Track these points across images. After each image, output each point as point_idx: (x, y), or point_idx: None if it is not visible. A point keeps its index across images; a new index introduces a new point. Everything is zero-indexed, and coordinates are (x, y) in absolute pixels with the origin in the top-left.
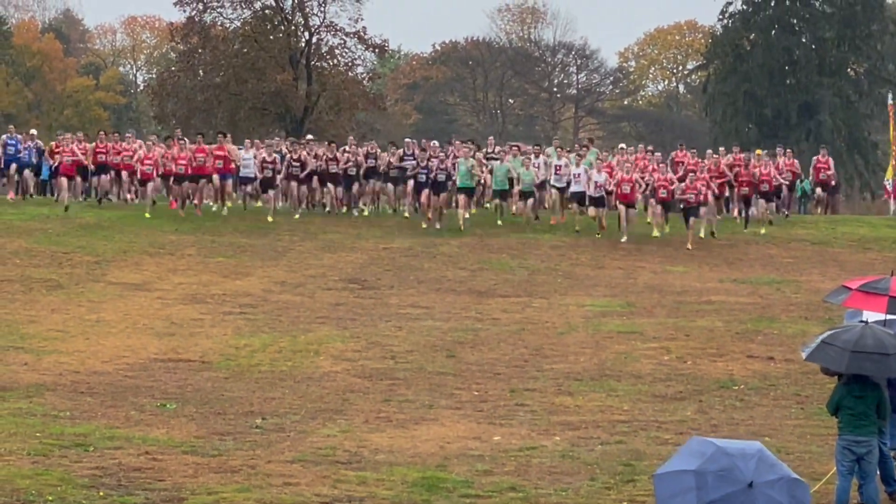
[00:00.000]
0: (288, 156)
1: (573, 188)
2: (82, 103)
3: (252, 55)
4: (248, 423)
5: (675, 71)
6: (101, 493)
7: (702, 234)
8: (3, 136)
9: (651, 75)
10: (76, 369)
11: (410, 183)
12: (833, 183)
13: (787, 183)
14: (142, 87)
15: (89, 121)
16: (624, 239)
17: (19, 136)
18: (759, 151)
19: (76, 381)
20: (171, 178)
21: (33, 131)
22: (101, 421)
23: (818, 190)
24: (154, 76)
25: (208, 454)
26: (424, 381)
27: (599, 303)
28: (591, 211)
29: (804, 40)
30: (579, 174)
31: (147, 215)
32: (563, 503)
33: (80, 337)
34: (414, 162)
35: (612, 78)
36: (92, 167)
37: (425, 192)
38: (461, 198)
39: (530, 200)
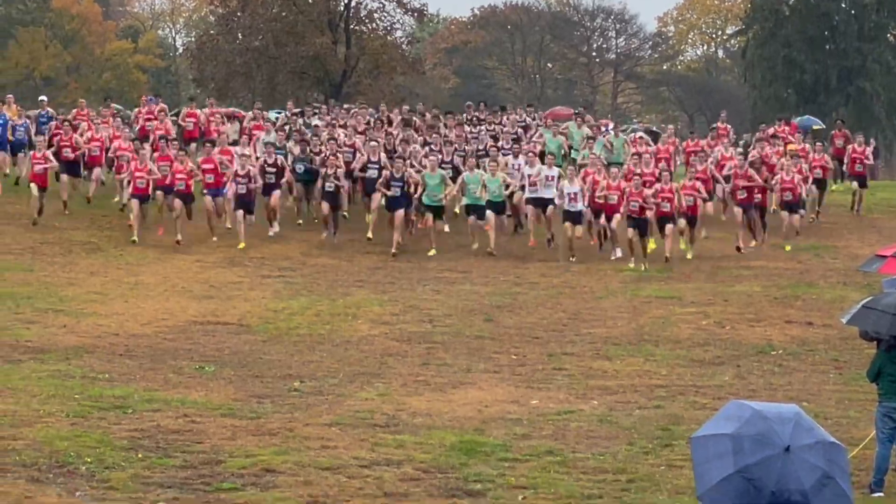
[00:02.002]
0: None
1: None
2: (121, 66)
3: (291, 18)
4: (286, 386)
5: (714, 36)
6: (140, 455)
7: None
8: (35, 112)
9: (690, 40)
10: (115, 332)
11: (376, 197)
12: (868, 177)
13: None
14: (181, 51)
15: (128, 84)
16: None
17: (52, 110)
18: (793, 147)
19: (115, 343)
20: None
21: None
22: (139, 383)
23: (854, 184)
24: (193, 39)
25: (246, 417)
26: (462, 344)
27: (638, 268)
28: (576, 229)
29: (844, 5)
30: (552, 176)
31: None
32: (600, 467)
33: (118, 299)
34: (377, 170)
35: (650, 43)
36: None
37: (399, 212)
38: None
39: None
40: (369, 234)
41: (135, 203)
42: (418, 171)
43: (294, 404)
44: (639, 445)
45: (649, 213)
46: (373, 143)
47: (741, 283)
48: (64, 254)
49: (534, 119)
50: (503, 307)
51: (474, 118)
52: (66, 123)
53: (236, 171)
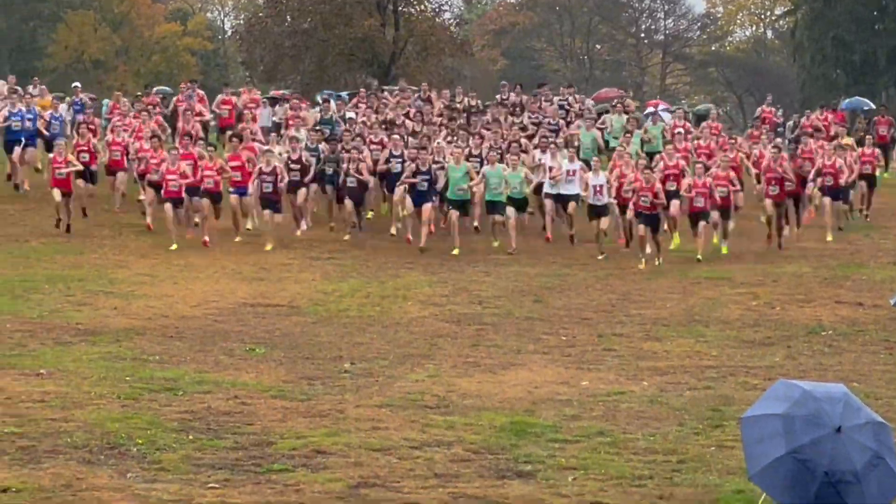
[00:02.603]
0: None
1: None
2: (170, 49)
3: (339, 1)
4: (337, 368)
5: (762, 16)
6: (191, 437)
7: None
8: (68, 98)
9: (738, 21)
10: (165, 314)
11: (399, 191)
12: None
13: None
14: (229, 33)
15: (177, 67)
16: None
17: (86, 98)
18: (846, 141)
19: (165, 325)
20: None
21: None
22: (190, 365)
23: (862, 184)
24: (241, 22)
25: (297, 398)
26: (512, 326)
27: (688, 249)
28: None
29: None
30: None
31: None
32: (650, 448)
33: (168, 281)
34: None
35: (699, 23)
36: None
37: (427, 206)
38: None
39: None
40: (393, 231)
41: (169, 208)
42: (441, 168)
43: (344, 386)
44: (689, 426)
45: (674, 209)
46: (395, 136)
47: (791, 264)
48: (114, 236)
49: (576, 103)
50: (553, 288)
51: (516, 108)
52: (85, 126)
53: (260, 168)
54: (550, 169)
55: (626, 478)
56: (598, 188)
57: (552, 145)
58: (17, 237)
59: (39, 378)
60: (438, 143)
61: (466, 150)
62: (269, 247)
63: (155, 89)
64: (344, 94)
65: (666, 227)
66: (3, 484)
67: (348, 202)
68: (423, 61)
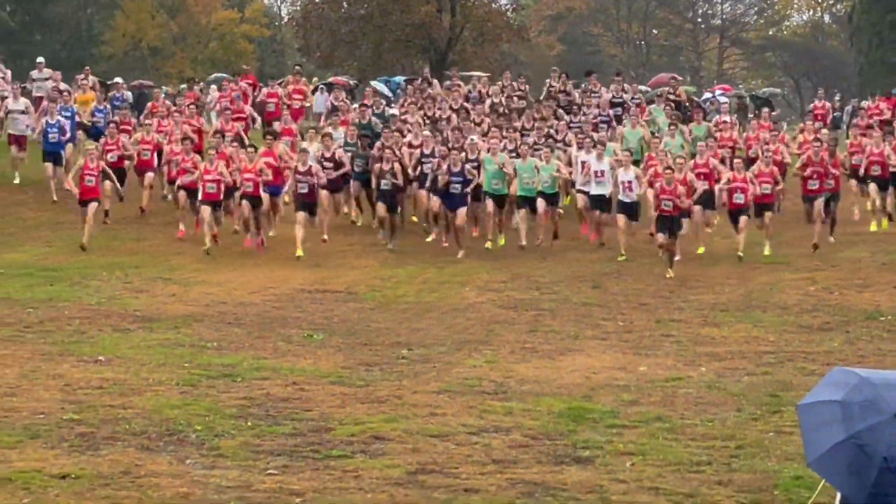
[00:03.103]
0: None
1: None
2: (227, 36)
3: None
4: (395, 354)
5: (819, 1)
6: (249, 423)
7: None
8: (111, 93)
9: (796, 5)
10: (223, 300)
11: (424, 194)
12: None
13: None
14: (286, 20)
15: (234, 54)
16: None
17: (129, 93)
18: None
19: (223, 311)
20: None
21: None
22: (248, 351)
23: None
24: (298, 8)
25: (355, 384)
26: (570, 311)
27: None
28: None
29: None
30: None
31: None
32: (709, 434)
33: (226, 268)
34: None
35: (756, 8)
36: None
37: (461, 211)
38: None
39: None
40: (427, 239)
41: (206, 210)
42: (476, 166)
43: (402, 372)
44: (747, 412)
45: (696, 215)
46: (426, 132)
47: (849, 249)
48: (171, 223)
49: (627, 93)
50: (610, 274)
51: (570, 104)
52: (115, 126)
53: (296, 166)
54: (583, 164)
55: (684, 463)
56: (626, 184)
57: (587, 140)
58: (74, 224)
59: (98, 365)
60: (472, 139)
61: (503, 143)
62: (298, 252)
63: (206, 79)
64: (400, 78)
65: (687, 230)
66: (63, 471)
67: (380, 206)
68: (479, 47)
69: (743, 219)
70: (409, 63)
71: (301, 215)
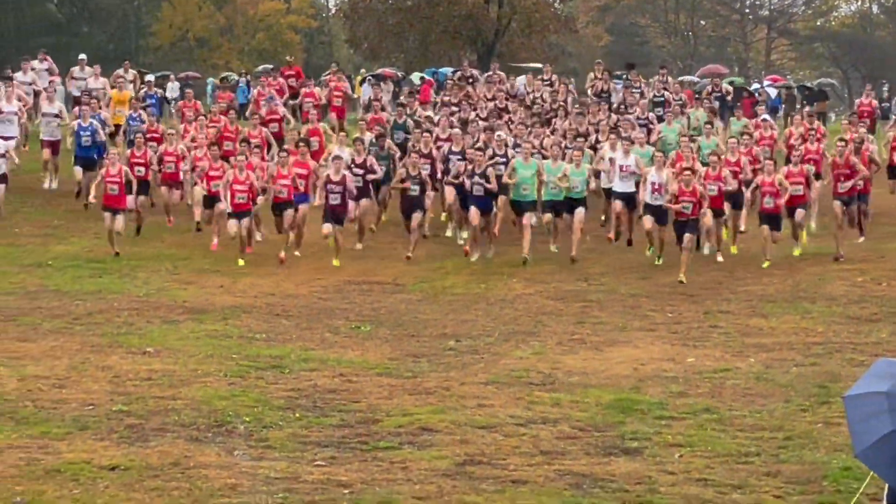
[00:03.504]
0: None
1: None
2: (274, 27)
3: None
4: (442, 345)
5: None
6: (297, 415)
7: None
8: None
9: None
10: (271, 292)
11: (450, 193)
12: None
13: None
14: (333, 11)
15: (281, 45)
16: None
17: (161, 91)
18: None
19: (271, 303)
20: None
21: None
22: (296, 343)
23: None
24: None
25: (402, 376)
26: (618, 302)
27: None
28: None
29: None
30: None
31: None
32: (757, 425)
33: (274, 260)
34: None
35: None
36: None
37: (473, 210)
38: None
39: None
40: (467, 248)
41: (233, 224)
42: (505, 160)
43: (450, 363)
44: (796, 403)
45: (707, 218)
46: (455, 130)
47: None
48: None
49: (671, 93)
50: (658, 265)
51: (618, 105)
52: (143, 137)
53: (328, 176)
54: (611, 161)
55: (732, 455)
56: (656, 185)
57: (611, 136)
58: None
59: (147, 356)
60: (500, 135)
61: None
62: (336, 262)
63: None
64: (447, 70)
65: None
66: (112, 462)
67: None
68: (526, 38)
69: (765, 228)
70: (457, 55)
71: (327, 227)
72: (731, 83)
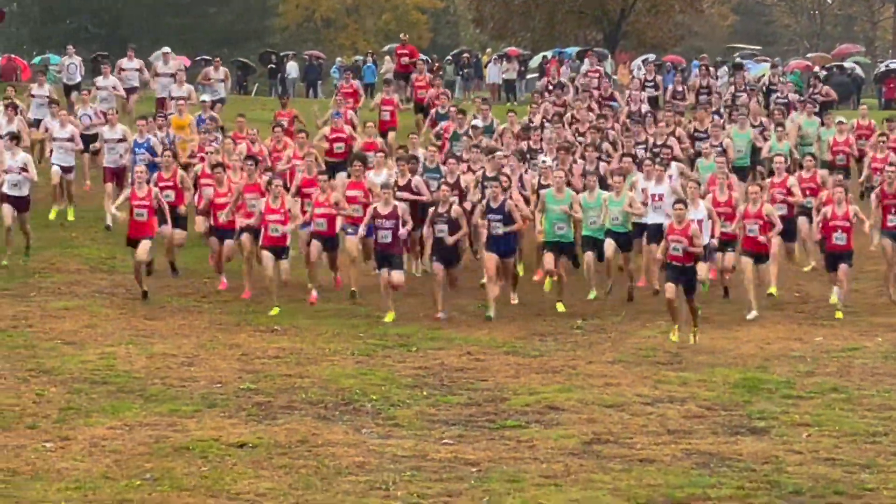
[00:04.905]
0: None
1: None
2: (400, 7)
3: None
4: (569, 325)
5: None
6: (424, 393)
7: None
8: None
9: None
10: None
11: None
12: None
13: None
14: None
15: (407, 25)
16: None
17: (217, 116)
18: None
19: None
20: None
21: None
22: (423, 322)
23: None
24: None
25: (529, 355)
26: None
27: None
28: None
29: None
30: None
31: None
32: (886, 404)
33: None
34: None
35: None
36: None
37: (508, 261)
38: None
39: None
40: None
41: (269, 260)
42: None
43: (577, 342)
44: None
45: (701, 271)
46: (499, 153)
47: None
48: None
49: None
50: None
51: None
52: (171, 154)
53: (375, 208)
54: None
55: (860, 434)
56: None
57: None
58: None
59: (274, 335)
60: (544, 160)
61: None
62: (389, 317)
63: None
64: (573, 49)
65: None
66: (241, 439)
67: (437, 265)
68: (652, 18)
69: (843, 267)
70: (583, 34)
71: (385, 275)
72: (856, 62)
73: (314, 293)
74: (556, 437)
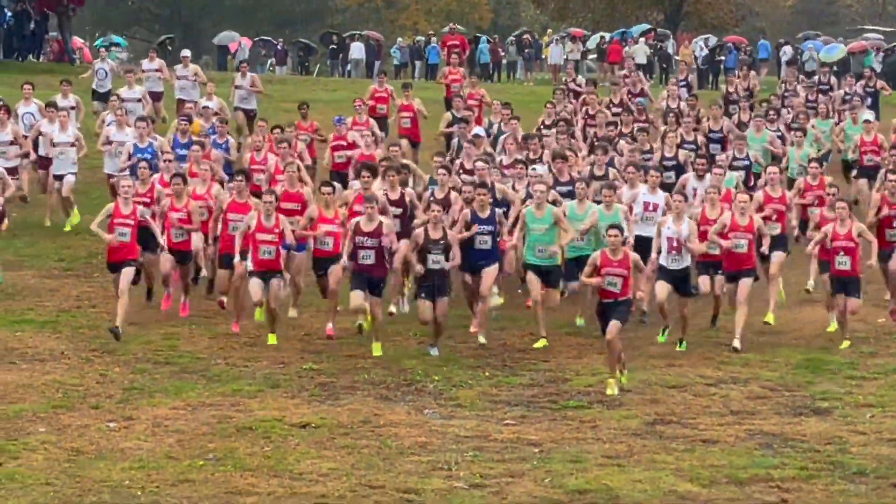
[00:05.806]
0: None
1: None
2: None
3: None
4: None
5: None
6: (486, 374)
7: None
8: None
9: None
10: None
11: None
12: None
13: None
14: None
15: (469, 6)
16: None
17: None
18: None
19: None
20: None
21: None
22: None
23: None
24: None
25: (591, 335)
26: (808, 263)
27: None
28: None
29: None
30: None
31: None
32: None
33: None
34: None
35: None
36: None
37: (489, 270)
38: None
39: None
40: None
41: (257, 286)
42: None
43: (643, 323)
44: None
45: (704, 286)
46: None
47: None
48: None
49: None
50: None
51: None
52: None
53: (358, 224)
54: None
55: None
56: (675, 242)
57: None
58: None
59: (336, 315)
60: (534, 168)
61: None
62: (377, 352)
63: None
64: (636, 29)
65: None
66: (303, 420)
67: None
68: None
69: (853, 302)
70: (644, 14)
71: (357, 294)
72: None
73: (330, 325)
74: (619, 418)
